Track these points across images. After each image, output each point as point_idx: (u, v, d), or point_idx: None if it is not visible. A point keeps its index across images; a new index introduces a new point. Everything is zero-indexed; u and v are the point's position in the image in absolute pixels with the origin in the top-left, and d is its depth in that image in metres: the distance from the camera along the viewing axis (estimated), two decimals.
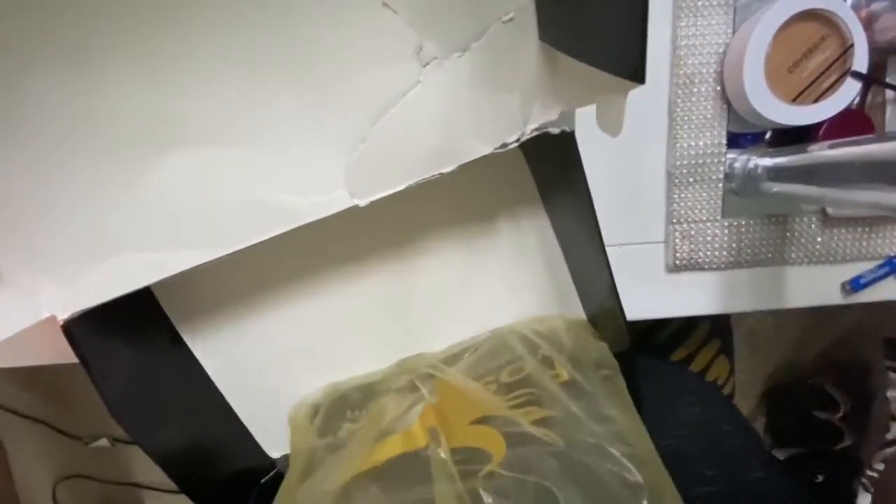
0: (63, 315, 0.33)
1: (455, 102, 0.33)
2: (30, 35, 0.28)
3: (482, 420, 0.37)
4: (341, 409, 0.44)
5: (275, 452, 0.47)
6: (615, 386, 0.38)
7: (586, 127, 0.34)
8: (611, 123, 0.30)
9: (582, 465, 0.31)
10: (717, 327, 0.68)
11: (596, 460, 0.32)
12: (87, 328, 0.34)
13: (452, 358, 0.46)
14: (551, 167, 0.41)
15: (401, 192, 0.34)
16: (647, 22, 0.23)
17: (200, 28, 0.30)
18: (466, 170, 0.34)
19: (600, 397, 0.37)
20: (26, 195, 0.32)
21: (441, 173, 0.34)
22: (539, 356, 0.42)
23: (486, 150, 0.34)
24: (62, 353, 0.34)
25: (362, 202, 0.34)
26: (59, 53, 0.29)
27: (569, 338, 0.44)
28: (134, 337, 0.40)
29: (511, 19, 0.32)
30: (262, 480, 0.46)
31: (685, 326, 0.65)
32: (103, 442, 1.14)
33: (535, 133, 0.34)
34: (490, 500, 0.30)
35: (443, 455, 0.34)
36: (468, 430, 0.37)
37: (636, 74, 0.25)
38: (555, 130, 0.34)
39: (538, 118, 0.34)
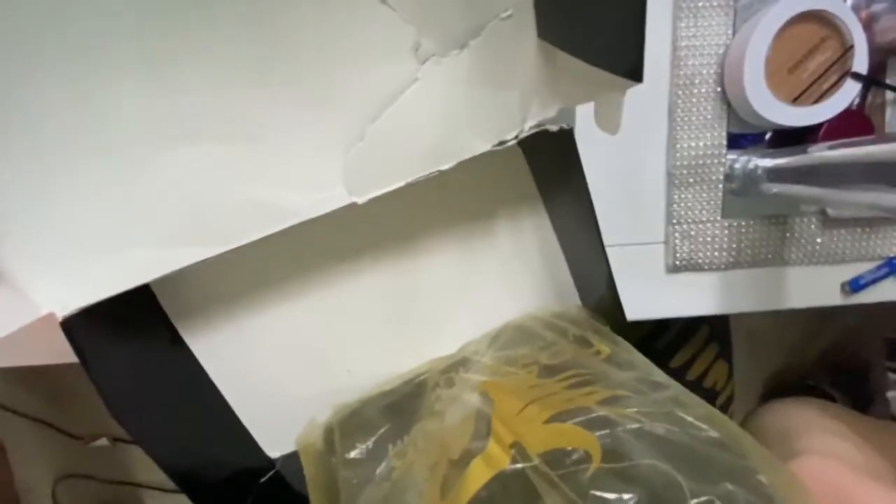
0: (62, 312, 0.33)
1: (453, 99, 0.33)
2: (33, 34, 0.29)
3: (555, 418, 0.35)
4: (359, 429, 0.42)
5: (274, 452, 0.47)
6: (641, 354, 0.39)
7: (586, 127, 0.35)
8: (609, 121, 0.30)
9: (663, 438, 0.31)
10: (716, 332, 0.67)
11: (672, 428, 0.31)
12: (86, 326, 0.34)
13: (471, 355, 0.45)
14: (551, 166, 0.41)
15: (400, 190, 0.34)
16: (646, 20, 0.23)
17: (200, 28, 0.30)
18: (466, 167, 0.34)
19: (642, 365, 0.37)
20: (26, 191, 0.32)
21: (440, 170, 0.34)
22: (570, 337, 0.42)
23: (484, 147, 0.34)
24: (61, 352, 0.33)
25: (361, 199, 0.34)
26: (62, 52, 0.29)
27: (588, 317, 0.44)
28: (133, 336, 0.40)
29: (510, 16, 0.32)
30: (261, 480, 0.46)
31: (683, 332, 0.65)
32: (103, 441, 1.14)
33: (533, 130, 0.34)
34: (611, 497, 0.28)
35: (539, 466, 0.31)
36: (546, 430, 0.34)
37: (634, 73, 0.25)
38: (553, 128, 0.34)
39: (536, 115, 0.34)
